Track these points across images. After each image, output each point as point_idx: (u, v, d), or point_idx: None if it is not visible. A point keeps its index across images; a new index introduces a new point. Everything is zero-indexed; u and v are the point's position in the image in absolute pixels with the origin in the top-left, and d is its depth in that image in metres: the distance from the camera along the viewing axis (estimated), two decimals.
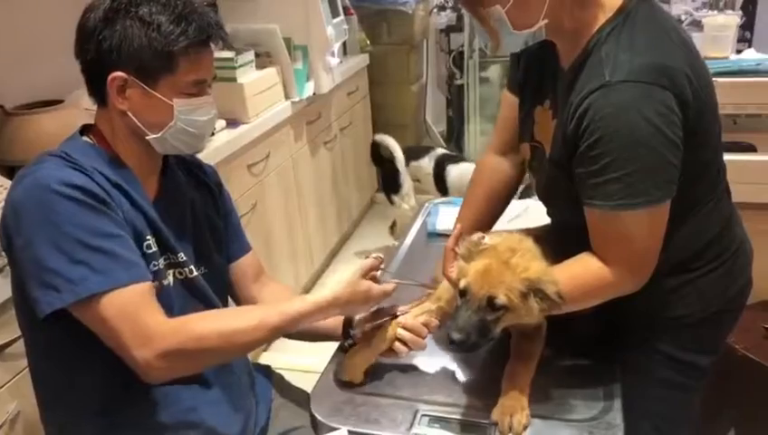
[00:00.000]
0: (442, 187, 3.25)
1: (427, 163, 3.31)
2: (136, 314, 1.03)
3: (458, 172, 3.19)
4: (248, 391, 1.32)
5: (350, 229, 3.79)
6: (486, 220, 1.39)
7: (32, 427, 1.45)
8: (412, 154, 3.37)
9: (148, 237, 1.14)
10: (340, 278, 1.19)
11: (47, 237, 1.01)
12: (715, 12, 2.82)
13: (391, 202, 3.40)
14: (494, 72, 3.94)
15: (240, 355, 1.16)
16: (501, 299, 1.03)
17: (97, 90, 1.13)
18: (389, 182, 3.36)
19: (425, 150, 3.38)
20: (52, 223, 1.01)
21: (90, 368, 1.12)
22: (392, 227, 3.51)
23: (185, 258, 1.20)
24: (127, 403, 1.14)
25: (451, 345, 1.04)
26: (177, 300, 1.19)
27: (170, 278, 1.19)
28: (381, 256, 1.24)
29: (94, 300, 1.02)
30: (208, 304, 1.24)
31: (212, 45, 1.15)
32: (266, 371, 1.45)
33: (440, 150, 3.36)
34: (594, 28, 1.06)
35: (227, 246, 1.36)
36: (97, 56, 1.09)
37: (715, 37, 2.16)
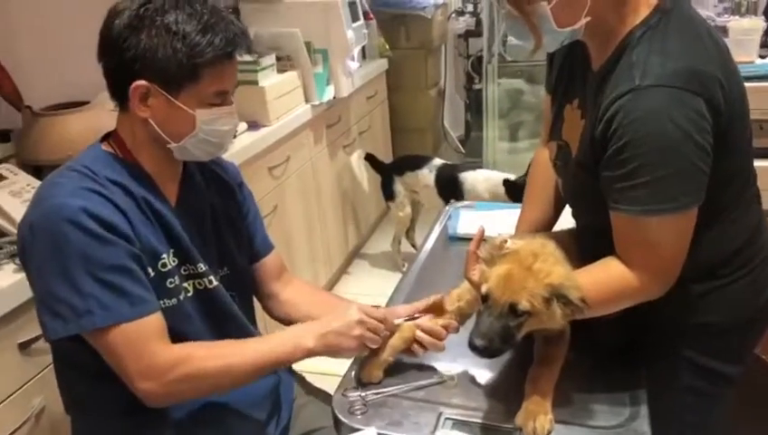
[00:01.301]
0: (451, 197, 3.00)
1: (426, 174, 3.21)
2: (139, 348, 1.06)
3: (473, 180, 3.09)
4: (272, 391, 1.33)
5: (367, 233, 3.79)
6: (549, 215, 1.39)
7: (57, 422, 1.47)
8: (409, 164, 3.32)
9: (164, 256, 1.14)
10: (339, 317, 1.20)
11: (58, 267, 1.03)
12: (737, 17, 2.80)
13: (388, 207, 3.43)
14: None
15: (237, 388, 1.18)
16: (523, 305, 1.02)
17: (119, 95, 1.13)
18: (386, 190, 3.36)
19: (423, 160, 3.29)
20: (64, 254, 1.03)
21: (113, 375, 1.12)
22: (408, 232, 3.52)
23: (204, 269, 1.21)
24: (151, 409, 1.14)
25: (473, 351, 1.04)
26: (196, 312, 1.20)
27: (190, 290, 1.19)
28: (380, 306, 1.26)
29: (98, 333, 1.05)
30: (227, 315, 1.25)
31: (239, 55, 1.15)
32: (289, 371, 1.45)
33: (439, 161, 3.27)
34: (627, 29, 1.05)
35: (249, 245, 1.37)
36: (120, 63, 1.09)
37: (741, 41, 2.14)
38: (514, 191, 2.90)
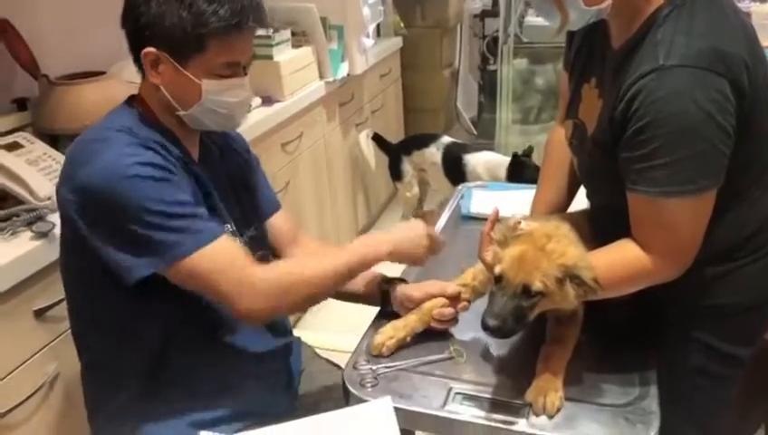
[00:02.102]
0: (456, 177, 3.07)
1: (434, 152, 3.22)
2: (234, 267, 1.10)
3: (475, 162, 3.09)
4: (285, 360, 1.35)
5: (377, 212, 3.79)
6: (565, 194, 1.40)
7: (71, 389, 1.49)
8: (416, 143, 3.32)
9: (202, 210, 1.16)
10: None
11: (136, 216, 1.05)
12: (758, 3, 2.75)
13: (396, 188, 3.43)
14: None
15: (326, 296, 1.24)
16: (537, 286, 1.02)
17: (138, 61, 1.15)
18: (393, 170, 3.37)
19: (431, 138, 3.29)
20: (136, 205, 1.05)
21: (136, 337, 1.16)
22: (417, 212, 3.52)
23: (232, 229, 1.23)
24: (169, 370, 1.17)
25: (486, 331, 1.05)
26: None
27: None
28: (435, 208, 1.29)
29: (189, 260, 1.07)
30: None
31: (250, 28, 1.13)
32: (297, 341, 1.48)
33: (447, 139, 3.27)
34: (653, 7, 1.04)
35: (259, 205, 1.39)
36: (135, 30, 1.13)
37: (764, 26, 2.11)
38: (518, 169, 2.93)
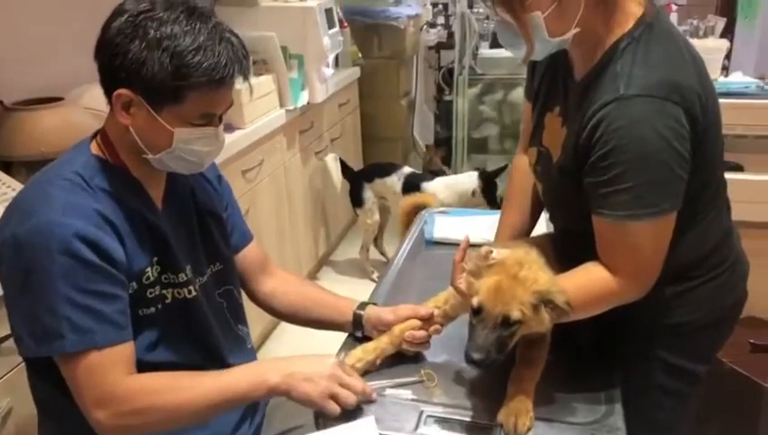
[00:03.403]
0: None
1: (395, 181, 3.26)
2: (100, 377, 1.04)
3: (434, 188, 3.16)
4: None
5: (336, 240, 3.79)
6: (529, 219, 1.42)
7: (24, 424, 1.43)
8: (378, 171, 3.36)
9: (148, 269, 1.14)
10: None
11: (39, 286, 1.02)
12: (695, 39, 2.91)
13: (356, 214, 3.44)
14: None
15: (191, 424, 1.15)
16: (515, 315, 1.04)
17: (108, 94, 1.11)
18: (354, 197, 3.39)
19: (392, 168, 3.34)
20: (48, 275, 1.01)
21: None
22: (377, 240, 3.54)
23: (185, 278, 1.20)
24: None
25: (471, 364, 1.06)
26: (173, 321, 1.19)
27: (168, 298, 1.18)
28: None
29: (65, 357, 1.04)
30: (203, 326, 1.24)
31: (230, 82, 1.09)
32: None
33: (407, 169, 3.34)
34: (613, 40, 1.09)
35: (231, 236, 1.37)
36: (109, 67, 1.07)
37: (706, 60, 2.23)
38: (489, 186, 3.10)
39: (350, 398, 1.09)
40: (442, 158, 4.30)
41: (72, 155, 1.14)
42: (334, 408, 1.08)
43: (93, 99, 1.87)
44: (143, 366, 1.12)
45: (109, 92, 1.10)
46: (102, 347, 1.04)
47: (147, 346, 1.15)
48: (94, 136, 1.18)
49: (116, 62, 1.05)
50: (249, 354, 1.38)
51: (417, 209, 2.10)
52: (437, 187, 3.17)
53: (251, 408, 1.33)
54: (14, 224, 1.05)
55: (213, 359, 1.24)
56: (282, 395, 1.12)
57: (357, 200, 3.38)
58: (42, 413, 1.21)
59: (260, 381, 1.11)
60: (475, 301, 1.07)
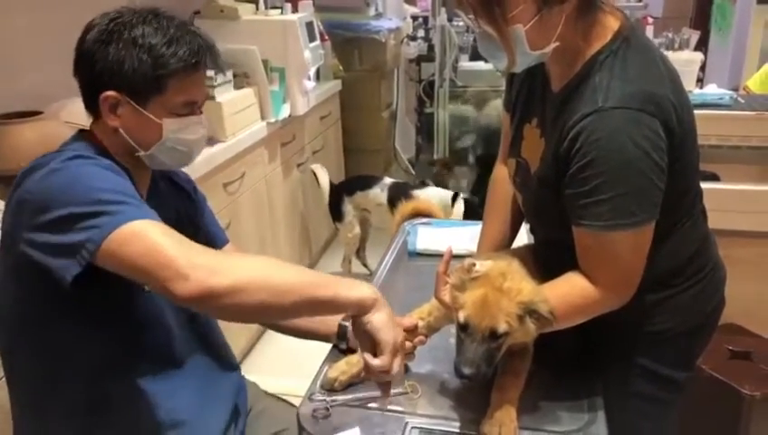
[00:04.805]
0: None
1: (378, 193, 3.26)
2: (173, 245, 0.98)
3: (427, 197, 3.17)
4: (231, 398, 1.34)
5: (318, 253, 3.78)
6: (509, 230, 1.43)
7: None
8: (360, 184, 3.35)
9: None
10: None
11: (79, 196, 1.00)
12: (670, 52, 2.97)
13: (336, 228, 3.44)
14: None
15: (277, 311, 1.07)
16: (503, 327, 1.05)
17: (92, 106, 1.16)
18: (333, 210, 3.37)
19: (374, 180, 3.33)
20: (81, 185, 1.02)
21: (74, 373, 1.12)
22: (359, 252, 3.54)
23: None
24: (109, 406, 1.14)
25: (462, 379, 1.07)
26: (168, 307, 1.20)
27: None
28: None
29: (118, 232, 0.97)
30: (194, 314, 1.25)
31: (204, 68, 1.18)
32: (243, 379, 1.45)
33: (389, 180, 3.34)
34: (591, 53, 1.11)
35: (206, 243, 1.36)
36: (91, 76, 1.13)
37: (681, 72, 2.27)
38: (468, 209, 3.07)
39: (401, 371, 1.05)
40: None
41: (67, 146, 1.16)
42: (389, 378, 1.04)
43: (72, 113, 1.86)
44: (135, 352, 1.14)
45: (93, 103, 1.15)
46: (151, 220, 1.00)
47: (136, 328, 1.15)
48: (75, 139, 1.19)
49: (97, 67, 1.12)
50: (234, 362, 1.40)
51: (418, 215, 2.09)
52: (430, 193, 3.21)
53: (235, 415, 1.33)
54: (26, 181, 1.05)
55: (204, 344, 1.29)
56: (365, 310, 1.02)
57: (336, 214, 3.37)
58: (19, 414, 1.20)
59: (355, 283, 1.04)
60: (461, 316, 1.08)
